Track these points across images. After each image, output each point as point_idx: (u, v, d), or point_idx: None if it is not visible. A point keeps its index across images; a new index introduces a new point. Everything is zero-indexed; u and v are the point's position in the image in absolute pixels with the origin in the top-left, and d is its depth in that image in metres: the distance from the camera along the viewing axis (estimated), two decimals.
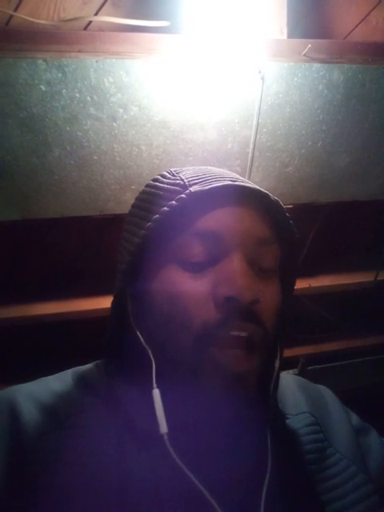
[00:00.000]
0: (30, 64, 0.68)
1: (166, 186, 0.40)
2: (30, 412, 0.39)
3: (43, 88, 0.72)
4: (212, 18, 0.78)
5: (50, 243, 1.03)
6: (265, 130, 0.86)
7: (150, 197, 0.41)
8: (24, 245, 1.02)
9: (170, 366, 0.38)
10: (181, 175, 0.40)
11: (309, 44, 0.77)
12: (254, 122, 0.84)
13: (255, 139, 0.87)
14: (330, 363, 1.69)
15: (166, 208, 0.37)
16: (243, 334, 0.35)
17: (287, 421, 0.45)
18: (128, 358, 0.41)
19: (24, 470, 0.35)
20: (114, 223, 0.99)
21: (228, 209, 0.38)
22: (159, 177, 0.43)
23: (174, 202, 0.37)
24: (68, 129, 0.77)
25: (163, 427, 0.35)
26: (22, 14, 0.65)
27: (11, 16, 0.67)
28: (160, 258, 0.39)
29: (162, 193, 0.39)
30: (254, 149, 0.88)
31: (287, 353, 1.52)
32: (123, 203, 0.87)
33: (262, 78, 0.79)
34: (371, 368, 1.77)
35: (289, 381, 0.52)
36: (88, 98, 0.75)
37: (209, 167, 0.43)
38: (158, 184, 0.42)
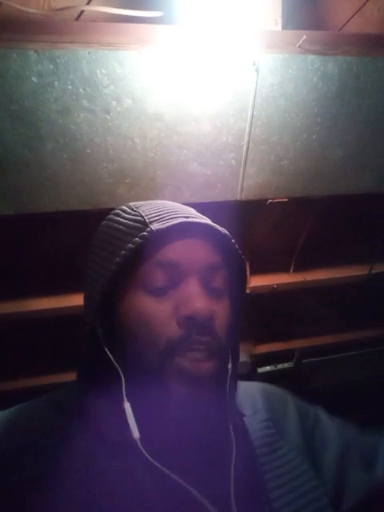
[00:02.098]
0: (21, 55, 0.67)
1: (128, 222, 0.46)
2: (6, 433, 0.43)
3: (35, 80, 0.70)
4: (206, 9, 0.77)
5: (45, 238, 1.02)
6: (259, 122, 0.86)
7: (114, 232, 0.47)
8: (18, 240, 1.01)
9: (139, 378, 0.43)
10: (140, 211, 0.46)
11: (304, 35, 0.76)
12: (249, 115, 0.84)
13: (250, 132, 0.86)
14: (324, 356, 1.70)
15: (131, 245, 0.43)
16: (202, 344, 0.42)
17: (245, 419, 0.52)
18: (100, 377, 0.46)
19: (1, 486, 0.38)
20: None
21: (184, 241, 0.44)
22: (119, 211, 0.49)
23: (137, 239, 0.43)
24: (61, 121, 0.76)
25: (136, 432, 0.40)
26: (12, 2, 0.64)
27: (0, 4, 0.65)
28: (127, 286, 0.44)
29: (125, 229, 0.45)
30: (248, 142, 0.88)
31: (282, 347, 1.53)
32: (117, 197, 0.87)
33: (257, 70, 0.79)
34: (366, 361, 1.79)
35: (253, 387, 0.60)
36: (80, 90, 0.74)
37: (164, 203, 0.50)
38: (120, 219, 0.48)
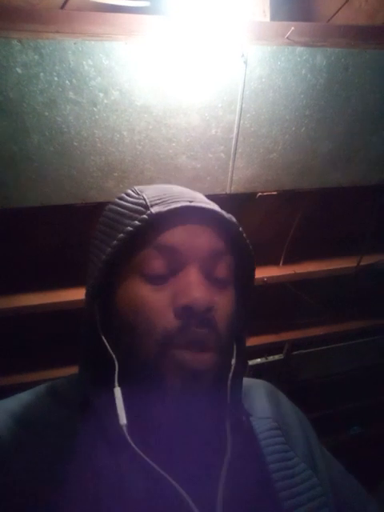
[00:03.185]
0: (4, 45, 0.65)
1: (129, 205, 0.44)
2: (5, 425, 0.41)
3: (19, 71, 0.69)
4: (194, 0, 0.76)
5: (32, 233, 1.01)
6: (248, 115, 0.85)
7: (115, 215, 0.45)
8: (5, 235, 0.99)
9: (135, 369, 0.41)
10: (144, 195, 0.44)
11: (292, 27, 0.76)
12: (238, 107, 0.83)
13: (239, 124, 0.86)
14: (314, 348, 1.72)
15: (129, 228, 0.41)
16: (199, 337, 0.40)
17: (252, 420, 0.49)
18: (99, 366, 0.44)
19: (2, 478, 0.37)
20: (97, 212, 0.97)
21: (185, 226, 0.42)
22: (124, 195, 0.47)
23: (137, 221, 0.41)
24: (47, 114, 0.74)
25: (123, 419, 0.39)
26: None
27: None
28: (125, 271, 0.43)
29: (126, 212, 0.44)
30: (237, 134, 0.87)
31: (273, 338, 1.54)
32: (106, 191, 0.86)
33: (245, 62, 0.78)
34: (355, 352, 1.81)
35: (259, 385, 0.57)
36: (67, 81, 0.72)
37: (171, 187, 0.48)
38: (122, 202, 0.46)
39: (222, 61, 0.77)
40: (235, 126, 0.86)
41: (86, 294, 0.46)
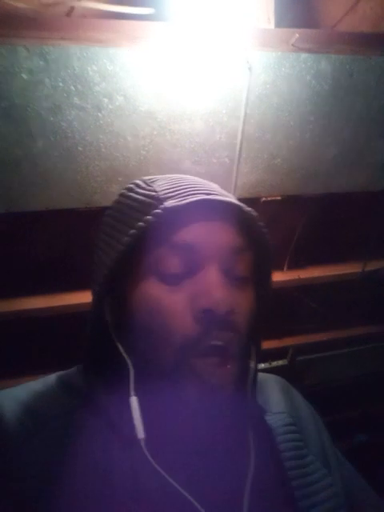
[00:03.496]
0: (11, 51, 0.66)
1: (140, 197, 0.40)
2: (15, 415, 0.39)
3: (25, 77, 0.70)
4: (198, 7, 0.76)
5: (36, 237, 1.01)
6: (253, 120, 0.85)
7: (125, 208, 0.42)
8: (10, 239, 1.00)
9: (149, 374, 0.39)
10: (155, 186, 0.41)
11: (296, 33, 0.76)
12: (242, 113, 0.83)
13: (243, 130, 0.86)
14: (318, 354, 1.71)
15: (141, 223, 0.37)
16: (221, 343, 0.37)
17: (266, 417, 0.46)
18: (108, 366, 0.42)
19: (9, 471, 0.35)
20: (100, 216, 0.98)
21: (203, 222, 0.39)
22: (133, 186, 0.44)
23: (150, 217, 0.37)
24: (52, 119, 0.75)
25: (140, 433, 0.36)
26: None
27: None
28: (137, 270, 0.39)
29: (137, 205, 0.40)
30: (242, 140, 0.87)
31: (277, 344, 1.53)
32: (110, 195, 0.86)
33: (250, 68, 0.78)
34: (359, 358, 1.80)
35: (272, 380, 0.55)
36: (72, 87, 0.73)
37: (182, 177, 0.44)
38: (132, 194, 0.42)
39: (226, 67, 0.78)
40: (239, 131, 0.86)
41: (93, 294, 0.43)
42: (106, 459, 0.37)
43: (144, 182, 0.44)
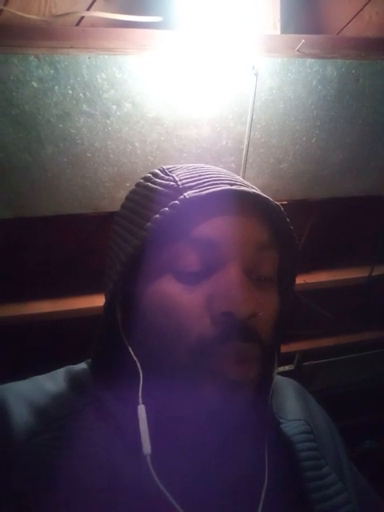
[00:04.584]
0: (22, 60, 0.68)
1: (158, 187, 0.38)
2: (20, 412, 0.38)
3: (35, 85, 0.71)
4: (205, 14, 0.78)
5: (45, 242, 1.03)
6: (259, 126, 0.86)
7: (142, 199, 0.39)
8: (18, 243, 1.01)
9: (160, 377, 0.36)
10: (174, 175, 0.38)
11: (302, 39, 0.77)
12: (248, 118, 0.84)
13: (249, 135, 0.86)
14: (325, 359, 1.70)
15: (158, 216, 0.35)
16: (239, 350, 0.34)
17: (281, 426, 0.43)
18: (117, 368, 0.40)
19: (12, 470, 0.35)
20: (108, 221, 0.99)
21: (225, 215, 0.35)
22: (151, 175, 0.41)
23: (167, 208, 0.34)
24: (61, 126, 0.76)
25: (146, 448, 0.33)
26: (13, 9, 0.64)
27: (1, 10, 0.66)
28: (153, 266, 0.37)
29: (154, 196, 0.37)
30: (248, 145, 0.88)
31: (284, 349, 1.52)
32: (117, 201, 0.87)
33: (256, 74, 0.79)
34: (367, 363, 1.78)
35: (287, 384, 0.51)
36: (81, 94, 0.74)
37: (204, 166, 0.41)
38: (150, 184, 0.39)
39: (232, 73, 0.79)
40: (246, 136, 0.86)
41: (106, 292, 0.40)
42: (109, 464, 0.35)
43: (162, 170, 0.40)
